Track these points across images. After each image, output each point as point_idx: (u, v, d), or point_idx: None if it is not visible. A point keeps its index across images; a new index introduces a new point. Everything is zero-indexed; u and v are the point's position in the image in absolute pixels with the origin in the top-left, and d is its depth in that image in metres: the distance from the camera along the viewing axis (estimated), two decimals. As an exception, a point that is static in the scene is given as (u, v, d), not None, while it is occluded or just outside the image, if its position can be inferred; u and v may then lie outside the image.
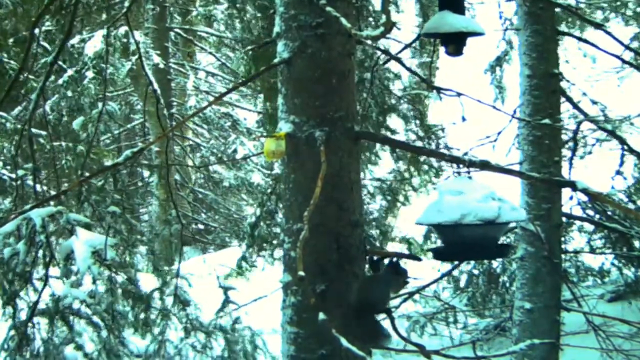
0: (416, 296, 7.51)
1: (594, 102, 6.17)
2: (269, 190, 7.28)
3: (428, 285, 7.34)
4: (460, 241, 2.70)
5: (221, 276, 6.06)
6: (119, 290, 4.88)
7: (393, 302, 6.93)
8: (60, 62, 7.41)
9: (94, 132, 5.36)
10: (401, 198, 8.32)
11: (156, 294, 5.64)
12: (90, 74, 7.61)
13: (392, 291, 3.10)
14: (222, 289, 5.92)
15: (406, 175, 8.01)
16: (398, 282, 3.00)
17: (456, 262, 6.48)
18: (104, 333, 4.74)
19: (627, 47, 6.36)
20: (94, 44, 8.04)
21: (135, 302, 4.98)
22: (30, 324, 4.62)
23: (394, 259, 2.96)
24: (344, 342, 2.29)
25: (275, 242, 7.42)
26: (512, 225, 5.40)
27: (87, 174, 4.94)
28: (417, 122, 7.70)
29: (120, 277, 4.86)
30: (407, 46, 6.30)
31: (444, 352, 2.80)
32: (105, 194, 5.13)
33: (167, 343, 5.61)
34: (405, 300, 7.03)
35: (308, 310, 2.93)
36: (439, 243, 3.06)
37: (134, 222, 5.25)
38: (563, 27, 7.10)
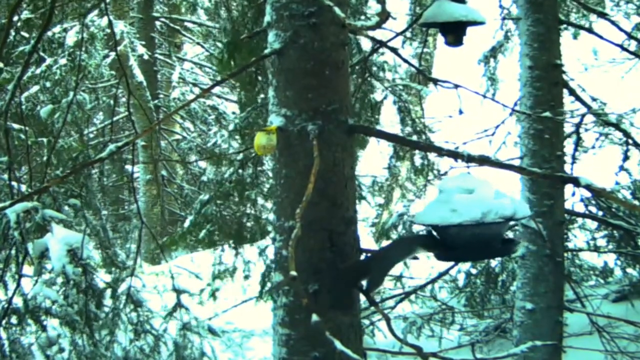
0: (412, 296, 7.36)
1: (594, 99, 5.97)
2: (247, 180, 7.10)
3: (425, 285, 7.23)
4: (472, 241, 2.54)
5: (176, 278, 5.82)
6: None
7: (388, 303, 6.79)
8: (41, 53, 7.19)
9: (63, 122, 5.20)
10: (396, 195, 8.16)
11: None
12: (63, 61, 7.40)
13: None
14: (175, 292, 5.71)
15: (401, 170, 7.83)
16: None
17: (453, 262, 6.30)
18: (67, 332, 4.56)
19: (630, 36, 6.17)
20: (76, 33, 7.80)
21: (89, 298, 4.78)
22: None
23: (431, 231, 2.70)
24: (337, 344, 2.17)
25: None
26: (511, 222, 5.23)
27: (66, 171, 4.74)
28: (402, 115, 7.51)
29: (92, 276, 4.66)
30: (398, 34, 6.06)
31: (442, 355, 2.62)
32: (65, 186, 4.95)
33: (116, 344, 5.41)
34: (401, 300, 6.92)
35: (300, 311, 2.83)
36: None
37: (90, 218, 5.07)
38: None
